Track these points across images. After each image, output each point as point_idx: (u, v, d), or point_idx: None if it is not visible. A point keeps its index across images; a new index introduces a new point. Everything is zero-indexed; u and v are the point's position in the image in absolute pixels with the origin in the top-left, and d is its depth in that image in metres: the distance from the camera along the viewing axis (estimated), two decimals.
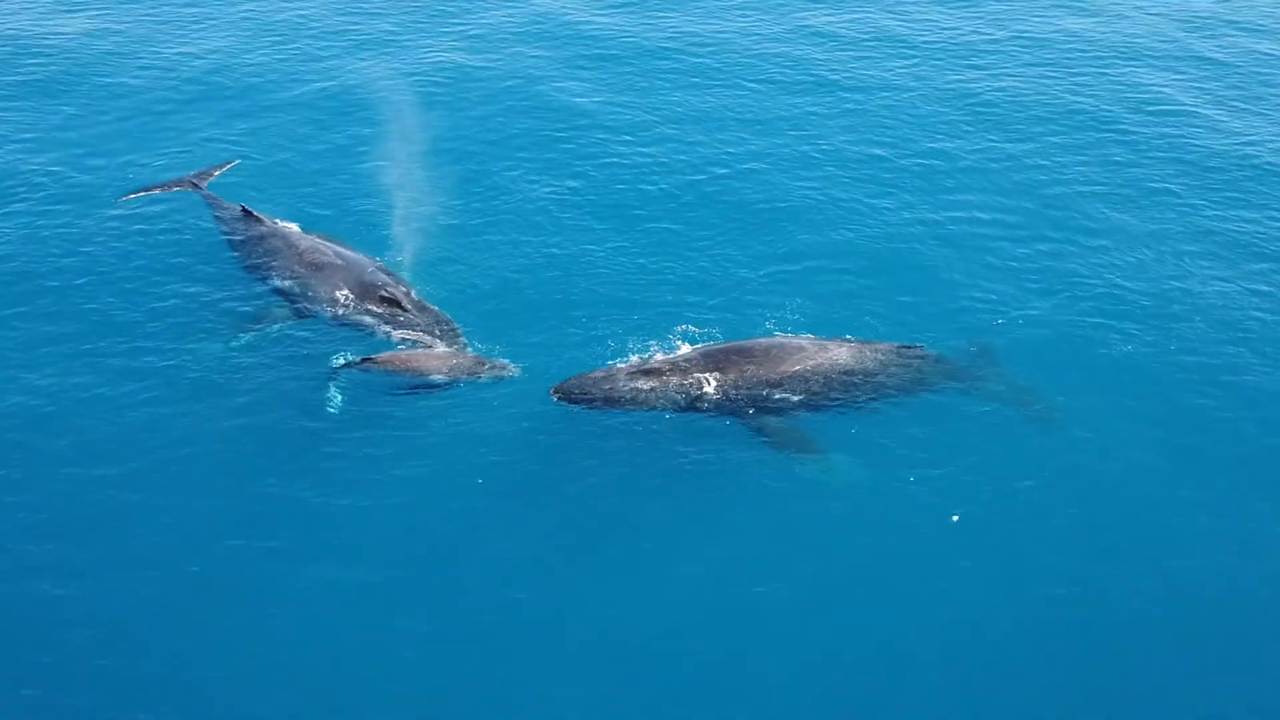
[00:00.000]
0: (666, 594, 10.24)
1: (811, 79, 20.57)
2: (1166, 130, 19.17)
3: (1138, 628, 10.04)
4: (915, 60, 21.57)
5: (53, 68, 20.01)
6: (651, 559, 10.61)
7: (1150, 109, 19.87)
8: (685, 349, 12.51)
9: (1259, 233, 15.81)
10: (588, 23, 22.83)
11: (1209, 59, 21.81)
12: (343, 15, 23.18)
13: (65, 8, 22.72)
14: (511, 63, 20.92)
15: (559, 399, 11.79)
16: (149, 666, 9.51)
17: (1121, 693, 9.52)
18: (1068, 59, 21.89)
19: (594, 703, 9.35)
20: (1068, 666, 9.73)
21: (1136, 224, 16.06)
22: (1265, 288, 14.53)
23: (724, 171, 17.15)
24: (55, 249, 14.51)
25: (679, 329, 13.00)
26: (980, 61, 21.90)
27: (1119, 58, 22.09)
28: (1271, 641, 10.02)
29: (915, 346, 12.76)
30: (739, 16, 23.34)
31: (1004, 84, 20.89)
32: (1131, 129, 19.22)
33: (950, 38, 22.74)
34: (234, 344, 12.68)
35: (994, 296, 14.30)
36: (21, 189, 16.00)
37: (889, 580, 10.45)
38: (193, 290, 13.73)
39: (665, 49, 21.66)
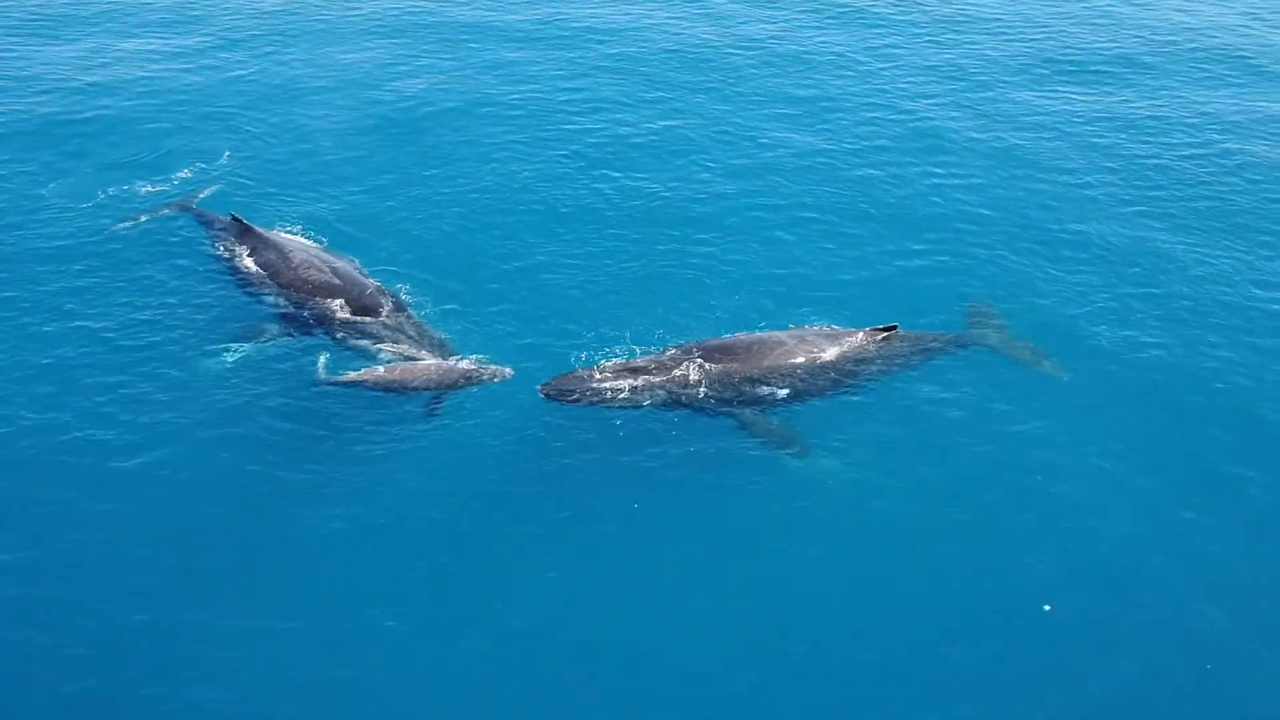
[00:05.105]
0: (654, 591, 10.45)
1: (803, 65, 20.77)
2: (1162, 110, 19.36)
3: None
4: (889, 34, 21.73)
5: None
6: (636, 556, 10.81)
7: (1148, 86, 20.02)
8: (669, 348, 12.70)
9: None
10: (590, 21, 22.95)
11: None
12: (333, 12, 23.30)
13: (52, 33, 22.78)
14: (505, 65, 21.05)
15: (546, 396, 12.03)
16: (138, 679, 9.67)
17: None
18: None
19: (591, 706, 9.56)
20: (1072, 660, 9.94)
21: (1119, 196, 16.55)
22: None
23: (702, 175, 17.37)
24: (43, 266, 14.60)
25: (661, 327, 13.27)
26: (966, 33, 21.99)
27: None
28: None
29: (891, 327, 13.00)
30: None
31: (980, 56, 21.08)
32: (1133, 103, 19.36)
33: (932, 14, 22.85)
34: (227, 360, 12.78)
35: (976, 265, 14.97)
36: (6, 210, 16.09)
37: (877, 573, 10.65)
38: (185, 307, 13.84)
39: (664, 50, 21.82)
